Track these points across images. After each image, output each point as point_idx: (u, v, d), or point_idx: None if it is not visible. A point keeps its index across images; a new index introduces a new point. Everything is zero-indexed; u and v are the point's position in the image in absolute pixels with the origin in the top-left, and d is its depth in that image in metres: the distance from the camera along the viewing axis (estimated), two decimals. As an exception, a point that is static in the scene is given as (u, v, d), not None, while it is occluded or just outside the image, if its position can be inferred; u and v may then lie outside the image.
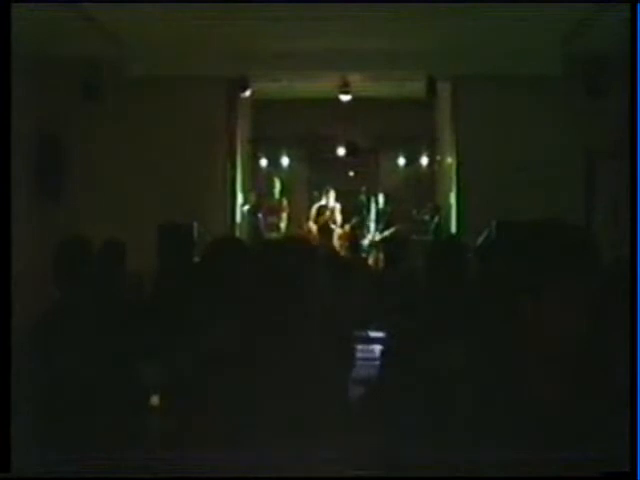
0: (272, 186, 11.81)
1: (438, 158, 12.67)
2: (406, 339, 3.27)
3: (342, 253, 9.93)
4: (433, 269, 3.52)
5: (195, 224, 9.23)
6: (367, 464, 1.77)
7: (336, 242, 11.06)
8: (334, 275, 3.59)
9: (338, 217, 11.52)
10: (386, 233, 11.05)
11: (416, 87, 10.65)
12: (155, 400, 2.86)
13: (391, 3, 7.82)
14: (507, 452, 1.63)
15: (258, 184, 12.51)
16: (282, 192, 11.77)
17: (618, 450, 1.62)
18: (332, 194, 11.61)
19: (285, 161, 13.35)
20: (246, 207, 11.25)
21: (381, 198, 11.71)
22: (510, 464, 1.62)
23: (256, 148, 13.04)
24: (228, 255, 2.67)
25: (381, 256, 8.10)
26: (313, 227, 11.40)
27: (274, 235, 10.95)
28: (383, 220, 11.45)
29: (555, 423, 1.68)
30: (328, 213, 11.48)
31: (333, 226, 11.37)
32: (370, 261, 10.90)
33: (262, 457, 1.77)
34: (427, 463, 1.66)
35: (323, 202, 11.58)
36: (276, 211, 11.52)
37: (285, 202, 11.63)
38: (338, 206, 11.60)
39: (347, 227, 11.43)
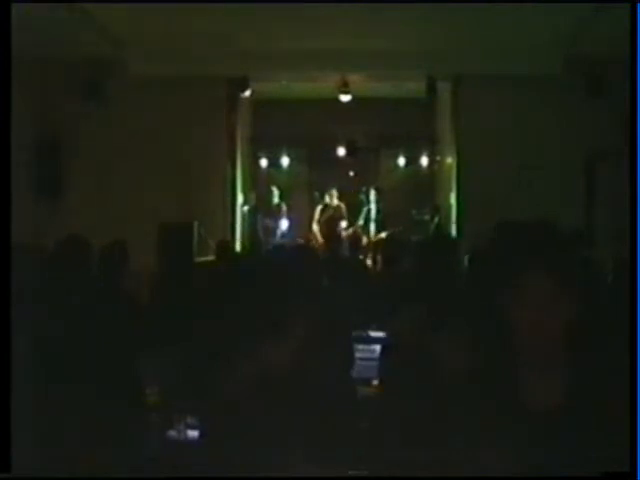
0: (271, 191, 11.79)
1: (438, 158, 12.65)
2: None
3: (345, 253, 9.90)
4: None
5: (195, 224, 9.24)
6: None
7: (340, 242, 11.01)
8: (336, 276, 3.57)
9: (342, 217, 11.47)
10: (382, 235, 10.97)
11: (416, 87, 10.65)
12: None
13: (391, 3, 7.82)
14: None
15: (258, 184, 12.50)
16: (281, 197, 11.76)
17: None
18: (335, 194, 11.55)
19: (285, 161, 13.33)
20: (246, 207, 11.24)
21: (380, 197, 11.66)
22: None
23: (256, 148, 13.02)
24: None
25: (379, 257, 8.06)
26: (315, 228, 11.38)
27: (271, 238, 10.98)
28: (381, 220, 11.40)
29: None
30: (331, 212, 11.44)
31: (338, 227, 11.32)
32: (369, 262, 10.84)
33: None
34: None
35: (326, 202, 11.54)
36: (275, 215, 11.52)
37: (284, 207, 11.62)
38: (342, 206, 11.55)
39: (350, 227, 11.40)
